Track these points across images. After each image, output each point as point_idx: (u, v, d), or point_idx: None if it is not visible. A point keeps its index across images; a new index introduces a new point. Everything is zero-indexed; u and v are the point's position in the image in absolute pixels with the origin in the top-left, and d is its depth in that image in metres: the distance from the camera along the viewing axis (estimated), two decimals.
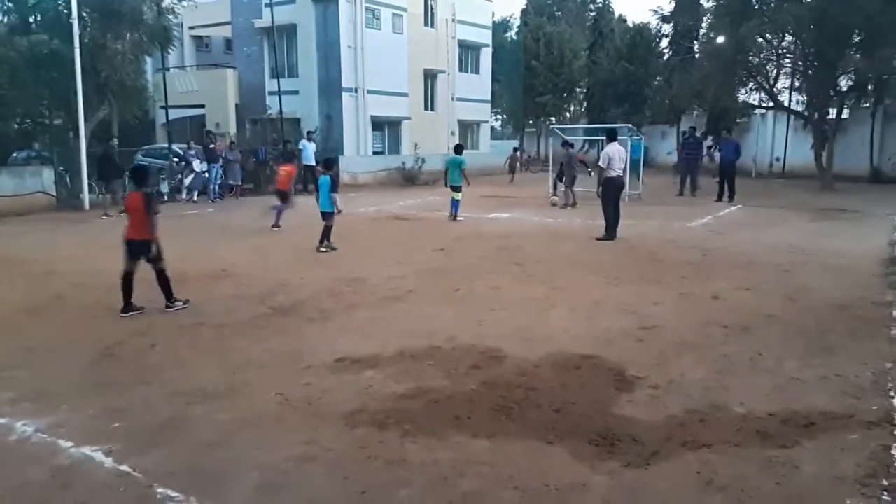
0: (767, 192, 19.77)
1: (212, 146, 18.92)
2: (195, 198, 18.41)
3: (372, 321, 6.57)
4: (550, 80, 36.61)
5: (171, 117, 21.04)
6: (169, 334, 6.17)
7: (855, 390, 4.69)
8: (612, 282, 8.23)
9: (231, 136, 22.26)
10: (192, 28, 29.63)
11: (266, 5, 23.15)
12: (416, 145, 26.66)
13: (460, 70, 30.79)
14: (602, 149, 12.40)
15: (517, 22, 47.65)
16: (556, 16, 46.63)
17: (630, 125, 21.77)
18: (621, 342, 5.83)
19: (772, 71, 22.63)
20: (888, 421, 4.19)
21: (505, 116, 48.14)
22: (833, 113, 22.47)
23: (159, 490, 3.47)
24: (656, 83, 31.30)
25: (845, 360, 5.29)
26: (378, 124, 26.38)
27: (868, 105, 24.47)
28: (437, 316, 6.71)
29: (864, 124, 24.32)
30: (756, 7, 21.48)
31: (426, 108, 28.93)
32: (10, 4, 17.21)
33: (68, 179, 16.98)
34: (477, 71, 32.23)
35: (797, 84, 23.32)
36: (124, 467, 3.70)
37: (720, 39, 22.74)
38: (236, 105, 26.27)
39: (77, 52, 15.78)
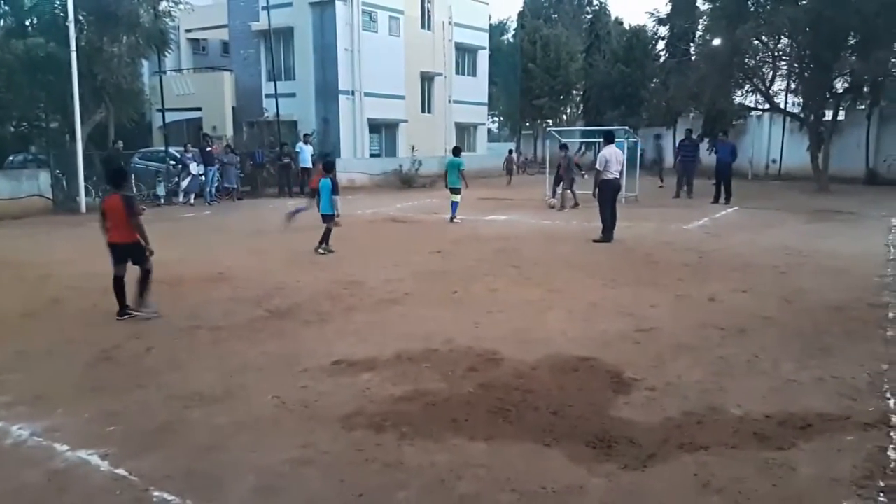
0: (764, 194, 19.82)
1: (208, 149, 18.91)
2: (192, 201, 18.39)
3: (369, 324, 6.56)
4: (547, 82, 36.73)
5: (167, 120, 21.05)
6: (165, 338, 6.16)
7: (851, 392, 4.70)
8: (608, 284, 8.23)
9: (227, 139, 22.25)
10: (188, 31, 29.68)
11: (263, 8, 23.19)
12: (412, 148, 26.68)
13: (457, 73, 30.85)
14: (598, 151, 12.42)
15: (514, 24, 47.86)
16: (552, 18, 46.80)
17: (626, 127, 21.80)
18: (618, 344, 5.84)
19: (768, 73, 22.70)
20: (884, 422, 4.20)
21: (502, 119, 48.29)
22: (829, 115, 22.54)
23: (156, 494, 3.46)
24: (652, 85, 31.41)
25: (842, 362, 5.30)
26: (375, 127, 26.41)
27: (864, 107, 24.58)
28: (434, 318, 6.70)
29: (859, 126, 24.39)
30: (752, 9, 21.55)
31: (423, 111, 28.97)
32: (6, 8, 17.23)
33: (65, 182, 16.95)
34: (474, 73, 32.29)
35: (793, 86, 23.42)
36: (120, 471, 3.69)
37: (716, 42, 22.78)
38: (233, 108, 26.29)
39: (73, 55, 15.76)
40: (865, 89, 22.51)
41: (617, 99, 32.33)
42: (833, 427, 4.15)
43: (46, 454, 3.92)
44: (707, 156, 22.43)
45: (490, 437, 4.06)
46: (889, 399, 4.58)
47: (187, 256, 9.96)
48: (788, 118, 24.94)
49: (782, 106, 24.15)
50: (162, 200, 18.10)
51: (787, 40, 21.71)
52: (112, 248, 6.75)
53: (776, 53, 22.13)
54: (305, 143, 20.72)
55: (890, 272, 8.72)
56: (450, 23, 29.48)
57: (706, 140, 25.69)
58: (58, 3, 16.72)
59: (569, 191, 16.73)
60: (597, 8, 44.81)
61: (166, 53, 21.03)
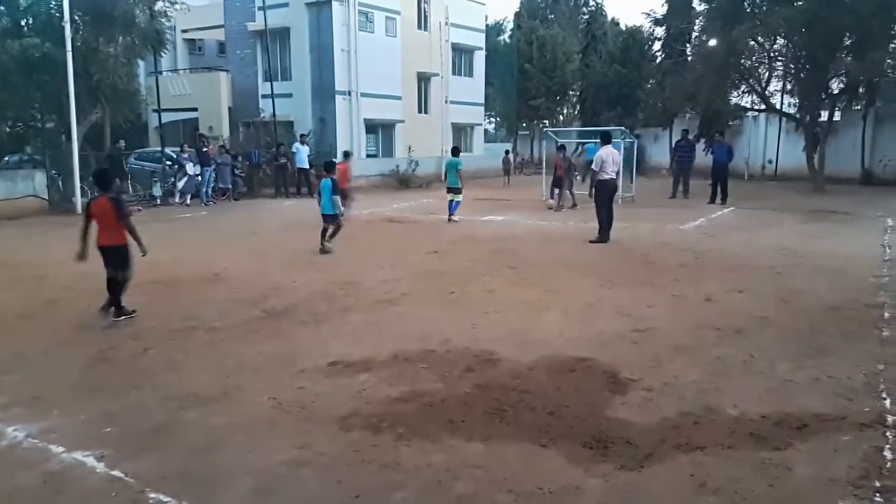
0: (760, 195, 19.86)
1: (205, 149, 18.87)
2: (188, 201, 18.35)
3: (365, 324, 6.55)
4: (543, 83, 36.73)
5: (163, 121, 20.98)
6: (162, 338, 6.14)
7: (847, 392, 4.71)
8: (605, 284, 8.24)
9: (223, 139, 22.21)
10: (184, 31, 29.62)
11: (259, 9, 23.15)
12: (409, 148, 26.67)
13: (454, 73, 30.82)
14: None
15: (510, 25, 47.82)
16: (549, 19, 46.77)
17: (623, 128, 21.81)
18: (615, 345, 5.84)
19: (763, 74, 22.72)
20: (880, 422, 4.21)
21: (498, 119, 48.27)
22: (825, 115, 22.60)
23: (152, 495, 3.45)
24: (649, 86, 31.39)
25: (838, 362, 5.31)
26: (371, 127, 26.39)
27: (859, 107, 24.62)
28: (431, 319, 6.70)
29: (855, 127, 24.45)
30: (748, 10, 21.58)
31: (420, 111, 28.94)
32: (1, 8, 17.15)
33: (60, 183, 16.90)
34: (470, 74, 32.28)
35: (789, 87, 23.45)
36: (116, 472, 3.68)
37: (712, 42, 22.81)
38: (229, 108, 26.22)
39: (69, 55, 15.72)
40: (861, 90, 22.52)
41: (613, 99, 32.30)
42: (829, 427, 4.16)
43: (42, 456, 3.91)
44: (703, 156, 22.51)
45: (487, 437, 4.06)
46: (885, 399, 4.59)
47: (183, 257, 9.94)
48: (784, 119, 24.98)
49: (778, 106, 24.17)
50: (158, 201, 18.04)
51: (782, 41, 21.76)
52: (101, 251, 6.68)
53: (772, 54, 22.16)
54: (302, 143, 20.71)
55: (885, 272, 8.74)
56: (446, 23, 29.46)
57: (702, 141, 25.76)
58: (53, 3, 16.66)
59: (567, 191, 16.75)
60: (593, 8, 44.74)
61: (162, 54, 20.98)
